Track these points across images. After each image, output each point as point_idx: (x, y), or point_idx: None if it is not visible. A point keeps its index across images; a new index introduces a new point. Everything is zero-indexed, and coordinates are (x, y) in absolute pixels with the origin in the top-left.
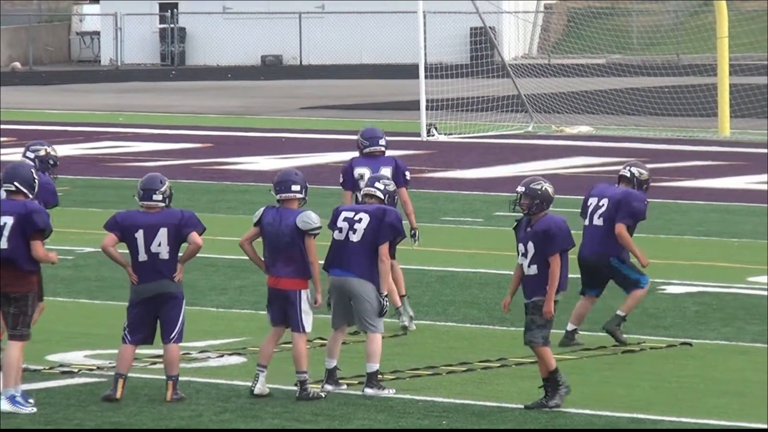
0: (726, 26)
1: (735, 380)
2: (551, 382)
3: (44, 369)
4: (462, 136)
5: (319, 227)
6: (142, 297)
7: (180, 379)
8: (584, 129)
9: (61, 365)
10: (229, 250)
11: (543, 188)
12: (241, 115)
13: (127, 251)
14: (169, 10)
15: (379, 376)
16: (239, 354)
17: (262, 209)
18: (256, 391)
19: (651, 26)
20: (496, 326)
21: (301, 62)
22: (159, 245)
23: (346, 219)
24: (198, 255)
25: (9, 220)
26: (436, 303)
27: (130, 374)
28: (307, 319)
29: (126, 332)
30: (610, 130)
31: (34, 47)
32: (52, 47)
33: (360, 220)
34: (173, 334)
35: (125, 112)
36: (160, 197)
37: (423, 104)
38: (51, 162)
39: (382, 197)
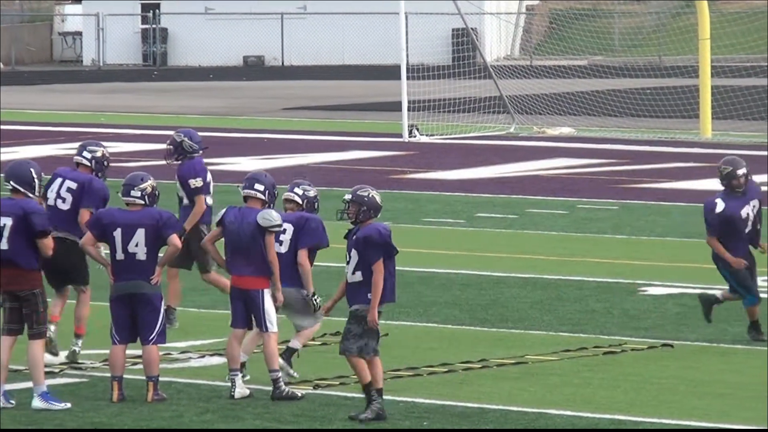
0: (708, 28)
1: (716, 381)
2: (366, 394)
3: (26, 369)
4: (444, 137)
5: (280, 224)
6: (117, 294)
7: (161, 379)
8: (566, 130)
9: (44, 365)
10: None
11: (370, 195)
12: (223, 115)
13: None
14: (151, 11)
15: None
16: (221, 355)
17: (224, 209)
18: (236, 395)
19: (633, 28)
20: (477, 327)
21: (283, 63)
22: (136, 245)
23: None
24: None
25: (8, 221)
26: (417, 304)
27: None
28: (271, 319)
29: (113, 332)
30: (591, 131)
31: (16, 47)
32: (34, 47)
33: (284, 231)
34: (152, 336)
35: (107, 113)
36: (138, 194)
37: (405, 105)
38: (105, 164)
39: (301, 202)
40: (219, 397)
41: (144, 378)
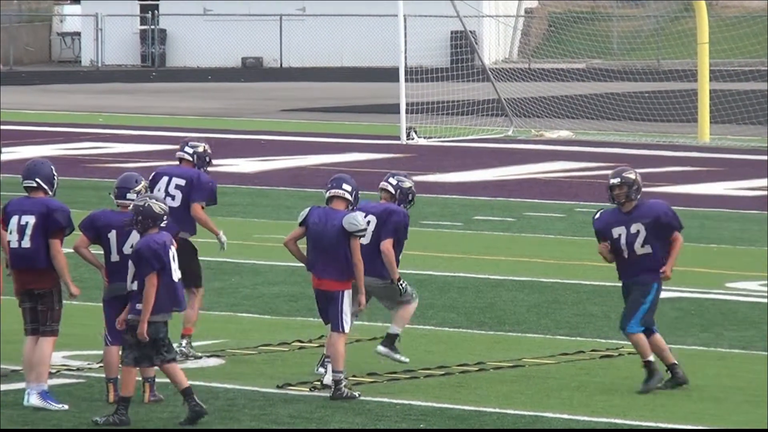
0: (706, 32)
1: (712, 386)
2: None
3: (22, 370)
4: (442, 139)
5: (365, 229)
6: (111, 295)
7: (158, 380)
8: (564, 133)
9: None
10: (207, 252)
11: (146, 205)
12: (221, 116)
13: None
14: (150, 12)
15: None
16: (217, 356)
17: (307, 209)
18: (325, 381)
19: (631, 31)
20: (474, 330)
21: (281, 64)
22: (131, 247)
23: None
24: None
25: (31, 220)
26: None
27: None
28: (347, 319)
29: (106, 334)
30: (589, 134)
31: (15, 47)
32: (33, 47)
33: (368, 223)
34: None
35: (105, 113)
36: (133, 196)
37: (403, 107)
38: (207, 159)
39: (394, 192)
40: (216, 399)
41: (139, 378)
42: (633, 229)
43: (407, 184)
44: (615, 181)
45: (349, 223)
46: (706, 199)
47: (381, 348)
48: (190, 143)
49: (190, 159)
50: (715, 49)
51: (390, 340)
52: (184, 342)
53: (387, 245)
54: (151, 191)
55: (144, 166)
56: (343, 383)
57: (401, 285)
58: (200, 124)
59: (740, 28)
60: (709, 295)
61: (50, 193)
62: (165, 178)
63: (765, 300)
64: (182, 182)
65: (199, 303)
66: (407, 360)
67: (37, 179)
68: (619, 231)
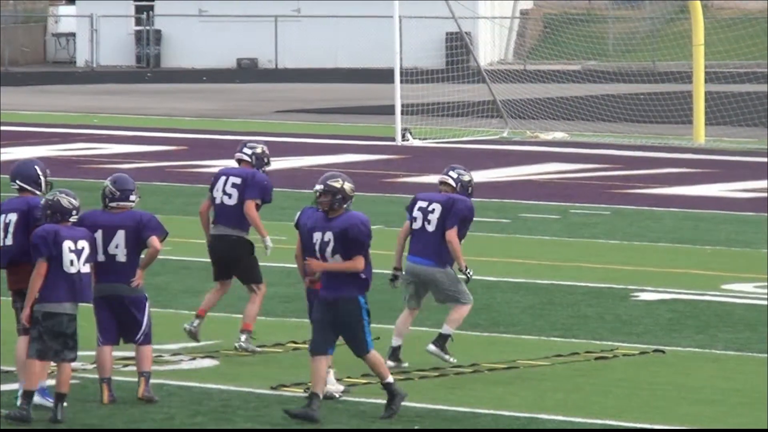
0: (702, 34)
1: (707, 388)
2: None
3: (16, 370)
4: (437, 141)
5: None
6: (99, 295)
7: (152, 381)
8: (559, 135)
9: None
10: (202, 253)
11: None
12: (216, 118)
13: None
14: (145, 12)
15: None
16: (212, 357)
17: (300, 211)
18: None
19: (627, 33)
20: (468, 332)
21: (276, 65)
22: (116, 247)
23: (420, 209)
24: (171, 257)
25: (13, 217)
26: None
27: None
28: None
29: (97, 334)
30: (585, 136)
31: (10, 48)
32: (28, 48)
33: (433, 211)
34: (138, 336)
35: (100, 114)
36: (134, 197)
37: (398, 109)
38: (266, 160)
39: (455, 185)
40: (210, 400)
41: (135, 380)
42: (326, 237)
43: (466, 177)
44: (318, 188)
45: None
46: (702, 200)
47: (432, 347)
48: (248, 144)
49: (249, 160)
50: (711, 50)
51: (442, 340)
52: (243, 337)
53: (452, 234)
54: (212, 191)
55: (139, 167)
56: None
57: (468, 273)
58: (195, 125)
59: (736, 30)
60: (704, 297)
61: (37, 192)
62: (223, 178)
63: (760, 302)
64: (238, 180)
65: (260, 300)
66: (455, 360)
67: (18, 181)
68: (317, 236)
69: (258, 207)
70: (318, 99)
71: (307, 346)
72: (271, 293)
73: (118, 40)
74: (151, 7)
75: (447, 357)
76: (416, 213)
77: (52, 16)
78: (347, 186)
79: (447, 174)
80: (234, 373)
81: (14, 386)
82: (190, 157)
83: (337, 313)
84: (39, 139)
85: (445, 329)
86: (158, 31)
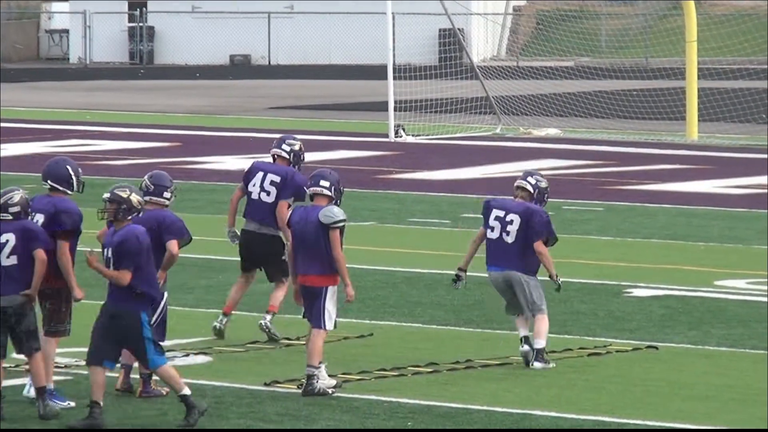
0: (695, 30)
1: (700, 384)
2: None
3: (10, 367)
4: (430, 137)
5: (343, 220)
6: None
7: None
8: (552, 131)
9: (27, 363)
10: (196, 250)
11: (127, 195)
12: (209, 114)
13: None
14: (138, 9)
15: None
16: (205, 353)
17: (291, 210)
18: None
19: (620, 29)
20: (462, 328)
21: (269, 62)
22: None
23: (497, 218)
24: None
25: (40, 218)
26: (402, 304)
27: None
28: (330, 317)
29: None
30: (578, 132)
31: (3, 45)
32: (21, 45)
33: (511, 222)
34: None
35: (93, 111)
36: (169, 195)
37: (391, 105)
38: (302, 157)
39: (532, 191)
40: (203, 396)
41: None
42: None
43: (544, 183)
44: (105, 195)
45: (324, 216)
46: (694, 197)
47: (537, 364)
48: (287, 141)
49: (287, 156)
50: (704, 47)
51: (540, 354)
52: (268, 317)
53: (540, 246)
54: (246, 185)
55: (132, 163)
56: (316, 379)
57: (559, 281)
58: (188, 122)
59: (729, 27)
60: (697, 293)
61: (69, 192)
62: (260, 174)
63: (753, 298)
64: (277, 179)
65: (286, 288)
66: (554, 365)
67: (50, 181)
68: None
69: (289, 207)
70: (311, 95)
71: (300, 342)
72: (264, 289)
73: (111, 37)
74: (144, 4)
75: (551, 365)
76: (493, 222)
77: (45, 13)
78: (134, 198)
79: (525, 179)
80: (227, 369)
81: (14, 382)
82: (183, 153)
83: (118, 324)
84: (32, 135)
85: (538, 343)
86: (151, 28)
